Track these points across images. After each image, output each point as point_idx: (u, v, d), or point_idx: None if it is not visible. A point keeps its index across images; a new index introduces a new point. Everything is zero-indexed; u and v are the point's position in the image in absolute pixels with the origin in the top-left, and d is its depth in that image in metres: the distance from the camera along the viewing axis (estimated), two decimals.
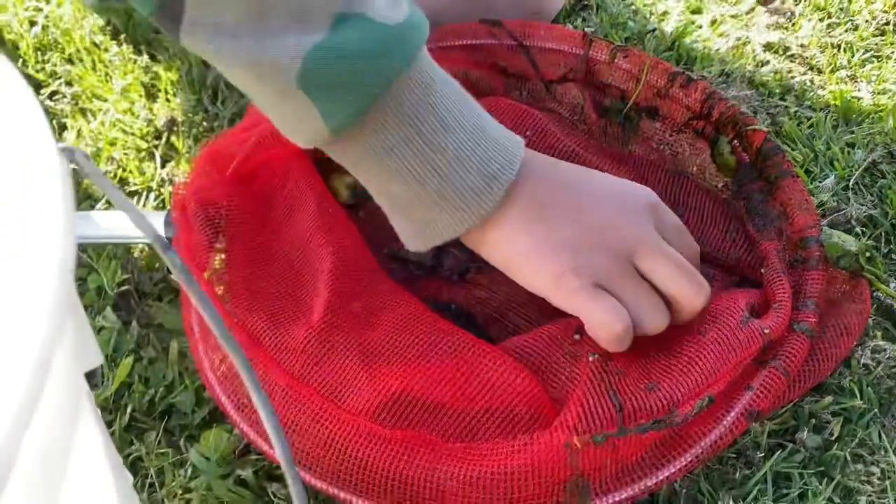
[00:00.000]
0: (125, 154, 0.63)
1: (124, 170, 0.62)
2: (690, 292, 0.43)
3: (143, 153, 0.63)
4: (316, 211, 0.53)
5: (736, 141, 0.56)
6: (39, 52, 0.73)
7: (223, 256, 0.52)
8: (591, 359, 0.43)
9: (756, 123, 0.56)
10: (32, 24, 0.76)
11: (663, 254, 0.43)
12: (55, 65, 0.71)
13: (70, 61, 0.72)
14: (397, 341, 0.45)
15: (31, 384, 0.13)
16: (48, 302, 0.14)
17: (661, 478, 0.42)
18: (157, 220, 0.53)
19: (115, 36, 0.74)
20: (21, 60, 0.71)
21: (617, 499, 0.41)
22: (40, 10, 0.77)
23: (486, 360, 0.44)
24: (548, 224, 0.42)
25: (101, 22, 0.75)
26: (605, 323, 0.41)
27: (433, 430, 0.42)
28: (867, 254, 0.55)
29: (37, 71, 0.71)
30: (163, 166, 0.63)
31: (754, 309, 0.47)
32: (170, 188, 0.61)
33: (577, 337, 0.45)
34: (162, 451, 0.48)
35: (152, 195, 0.60)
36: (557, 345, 0.45)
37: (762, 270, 0.49)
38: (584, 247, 0.42)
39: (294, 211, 0.54)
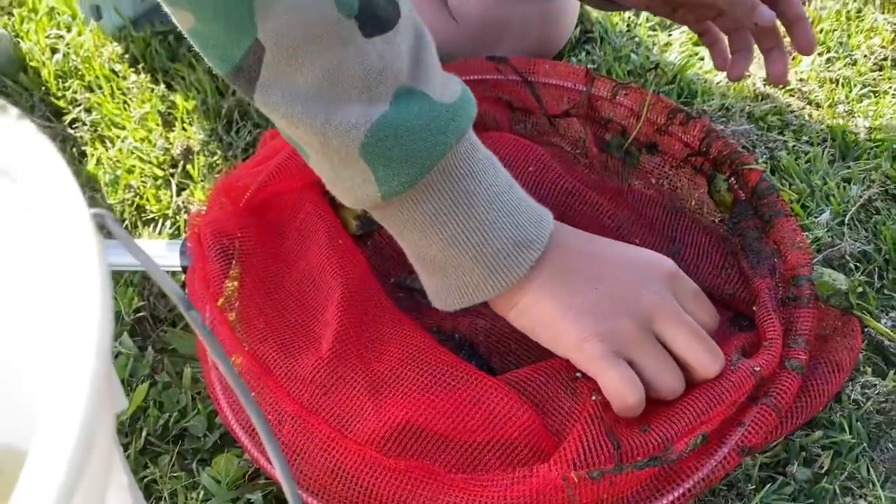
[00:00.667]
0: (142, 182, 0.65)
1: (141, 197, 0.64)
2: (706, 360, 0.45)
3: (160, 181, 0.66)
4: (326, 242, 0.55)
5: (732, 179, 0.58)
6: (60, 80, 0.75)
7: (236, 285, 0.54)
8: (592, 398, 0.45)
9: (752, 162, 0.58)
10: (54, 51, 0.78)
11: (681, 322, 0.45)
12: (75, 92, 0.74)
13: (90, 89, 0.74)
14: (403, 373, 0.47)
15: (72, 464, 0.15)
16: (87, 387, 0.16)
17: None
18: (174, 250, 0.55)
19: (133, 64, 0.76)
20: (43, 88, 0.74)
21: None
22: (61, 37, 0.79)
23: (488, 393, 0.46)
24: (572, 291, 0.44)
25: (119, 50, 0.77)
26: (620, 393, 0.44)
27: (436, 461, 0.44)
28: (859, 289, 0.57)
29: (58, 98, 0.73)
30: (178, 194, 0.65)
31: (745, 349, 0.49)
32: (185, 216, 0.63)
33: (578, 375, 0.46)
34: (175, 474, 0.50)
35: (168, 222, 0.62)
36: (559, 380, 0.47)
37: (754, 308, 0.51)
38: (607, 314, 0.44)
39: (305, 242, 0.56)
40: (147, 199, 0.64)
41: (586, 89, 0.65)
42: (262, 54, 0.39)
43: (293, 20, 0.39)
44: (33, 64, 0.76)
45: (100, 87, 0.74)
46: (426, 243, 0.44)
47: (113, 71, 0.76)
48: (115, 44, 0.78)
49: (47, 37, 0.79)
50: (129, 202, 0.64)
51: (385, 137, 0.41)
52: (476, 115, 0.45)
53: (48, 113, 0.72)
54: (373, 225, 0.61)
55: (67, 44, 0.78)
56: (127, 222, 0.63)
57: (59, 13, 0.83)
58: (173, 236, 0.62)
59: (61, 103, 0.73)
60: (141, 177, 0.66)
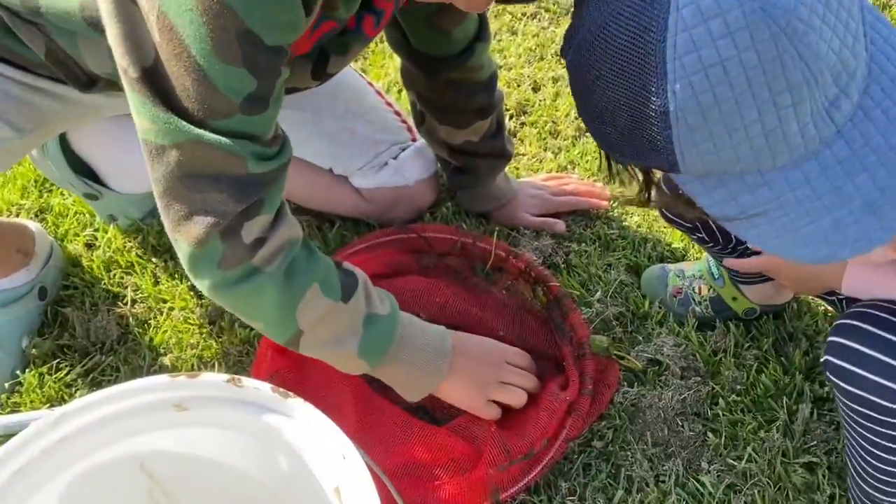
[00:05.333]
0: (200, 340, 1.03)
1: (199, 349, 1.03)
2: (530, 386, 0.94)
3: (205, 333, 1.04)
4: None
5: (546, 289, 1.05)
6: (106, 270, 1.10)
7: None
8: (491, 429, 0.91)
9: (554, 280, 1.05)
10: (92, 247, 1.13)
11: (515, 375, 0.94)
12: (121, 278, 1.10)
13: (129, 273, 1.10)
14: (396, 434, 0.91)
15: None
16: None
17: (529, 477, 0.90)
18: None
19: (154, 250, 1.12)
20: (102, 281, 1.09)
21: (511, 491, 0.89)
22: (94, 235, 1.14)
23: (442, 438, 0.90)
24: (466, 375, 0.91)
25: (140, 239, 1.13)
26: (493, 414, 0.93)
27: (423, 477, 0.88)
28: (618, 339, 1.06)
29: (111, 286, 1.09)
30: (217, 340, 1.04)
31: (562, 386, 0.96)
32: (228, 358, 1.02)
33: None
34: None
35: (223, 365, 1.02)
36: (476, 422, 0.93)
37: (564, 364, 0.98)
38: (486, 380, 0.92)
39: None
40: (204, 350, 1.03)
41: (458, 239, 1.10)
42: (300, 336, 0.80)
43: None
44: (84, 261, 1.11)
45: (137, 272, 1.10)
46: (400, 377, 0.89)
47: (140, 257, 1.12)
48: (136, 236, 1.14)
49: (85, 235, 1.14)
50: (194, 355, 1.02)
51: (368, 347, 0.84)
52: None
53: (114, 300, 1.07)
54: None
55: (98, 240, 1.13)
56: (195, 369, 1.01)
57: (80, 213, 1.17)
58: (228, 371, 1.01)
59: (117, 289, 1.09)
60: (192, 336, 1.04)
